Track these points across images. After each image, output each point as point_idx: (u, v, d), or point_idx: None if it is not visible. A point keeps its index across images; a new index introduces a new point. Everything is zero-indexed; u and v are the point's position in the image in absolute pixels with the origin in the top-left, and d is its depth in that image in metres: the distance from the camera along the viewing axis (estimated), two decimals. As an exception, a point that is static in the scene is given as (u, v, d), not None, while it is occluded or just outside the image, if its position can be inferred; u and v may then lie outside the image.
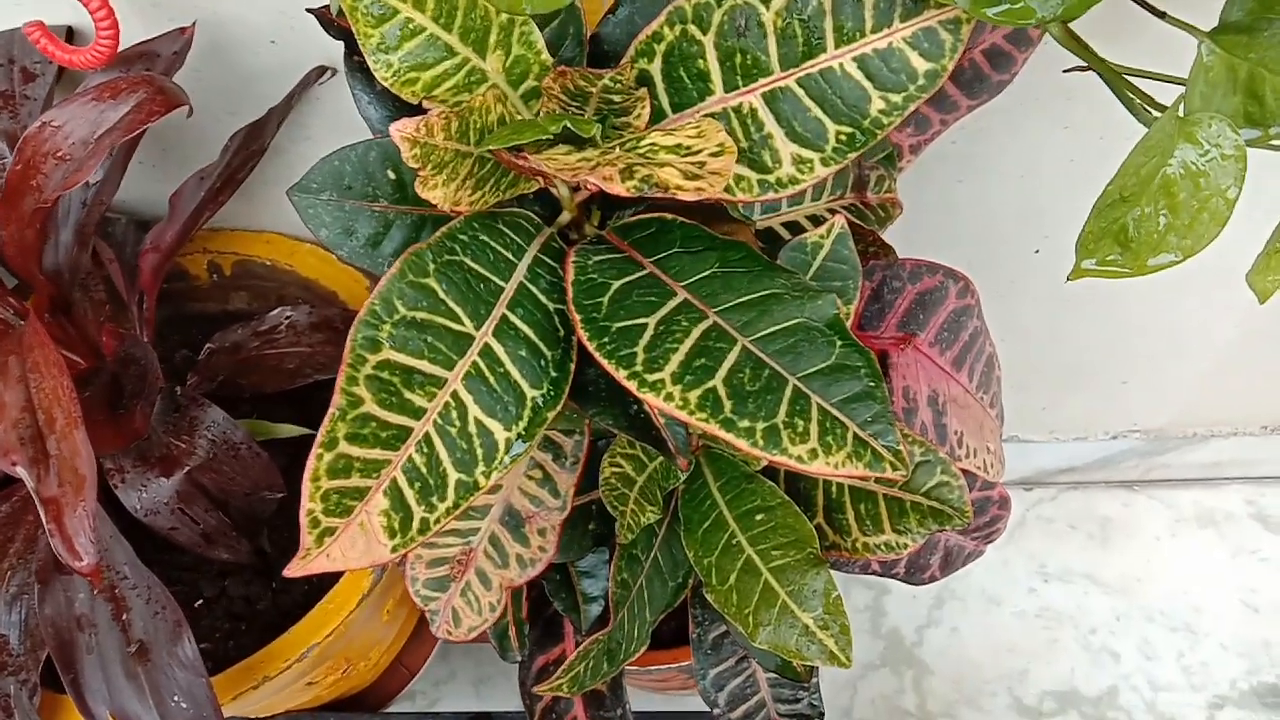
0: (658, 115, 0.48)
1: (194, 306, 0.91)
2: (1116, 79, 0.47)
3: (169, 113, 0.59)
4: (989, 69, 0.68)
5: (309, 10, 0.57)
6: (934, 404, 0.63)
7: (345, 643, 0.80)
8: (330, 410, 0.40)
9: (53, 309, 0.67)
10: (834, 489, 0.55)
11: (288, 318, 0.76)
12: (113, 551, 0.65)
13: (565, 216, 0.53)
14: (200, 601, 0.81)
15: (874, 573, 0.70)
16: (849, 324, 0.52)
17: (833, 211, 0.62)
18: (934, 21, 0.42)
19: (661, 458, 0.56)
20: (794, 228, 0.62)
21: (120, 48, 0.64)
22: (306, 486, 0.40)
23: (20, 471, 0.57)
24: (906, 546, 0.52)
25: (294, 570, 0.40)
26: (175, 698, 0.63)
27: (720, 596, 0.53)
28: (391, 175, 0.51)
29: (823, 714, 0.63)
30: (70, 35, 0.72)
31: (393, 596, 0.89)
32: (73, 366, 0.71)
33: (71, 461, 0.56)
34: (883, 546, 0.52)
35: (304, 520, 0.40)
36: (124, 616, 0.65)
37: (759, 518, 0.53)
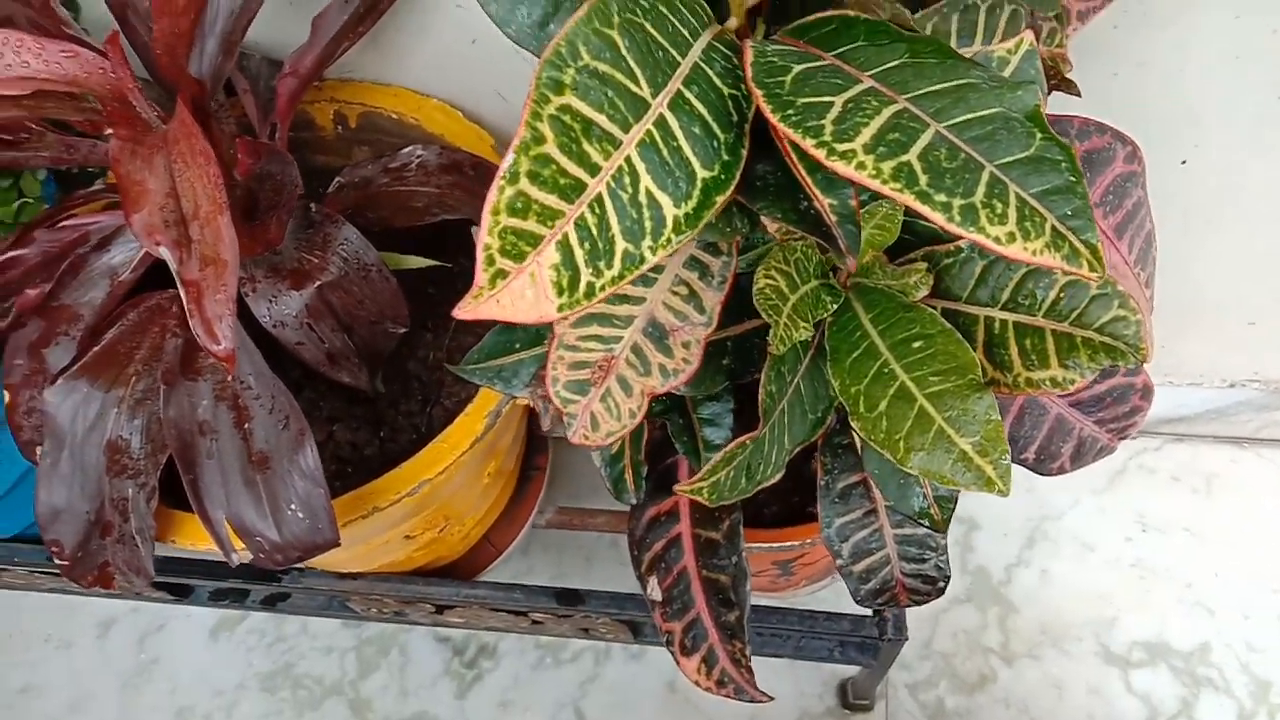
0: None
1: (317, 159, 0.91)
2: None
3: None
4: (1176, -72, 0.64)
5: None
6: (1094, 264, 0.60)
7: (449, 492, 0.80)
8: (514, 143, 0.39)
9: (193, 115, 0.67)
10: (997, 324, 0.52)
11: (418, 157, 0.75)
12: (239, 359, 0.65)
13: (732, 23, 0.51)
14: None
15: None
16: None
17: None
18: None
19: (814, 283, 0.54)
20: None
21: None
22: (486, 219, 0.38)
23: (164, 252, 0.56)
24: (1074, 382, 0.49)
25: (464, 310, 0.39)
26: (292, 506, 0.63)
27: (868, 424, 0.51)
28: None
29: (948, 578, 0.61)
30: None
31: (495, 459, 0.89)
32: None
33: (214, 246, 0.56)
34: (1048, 382, 0.50)
35: (480, 257, 0.39)
36: (245, 425, 0.65)
37: (916, 345, 0.51)
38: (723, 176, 0.45)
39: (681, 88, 0.45)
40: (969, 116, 0.42)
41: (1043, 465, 0.70)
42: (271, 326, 0.67)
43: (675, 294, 0.55)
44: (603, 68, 0.42)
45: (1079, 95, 0.57)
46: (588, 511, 1.12)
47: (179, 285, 0.56)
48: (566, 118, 0.40)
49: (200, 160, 0.58)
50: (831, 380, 0.53)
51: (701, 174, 0.44)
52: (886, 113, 0.42)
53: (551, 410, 0.58)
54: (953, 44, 0.60)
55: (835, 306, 0.55)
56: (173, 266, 0.56)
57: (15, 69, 0.62)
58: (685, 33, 0.46)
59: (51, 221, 0.77)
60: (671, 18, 0.46)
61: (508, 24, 0.49)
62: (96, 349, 0.69)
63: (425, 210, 0.73)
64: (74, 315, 0.72)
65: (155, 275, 0.73)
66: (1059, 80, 0.56)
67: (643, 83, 0.43)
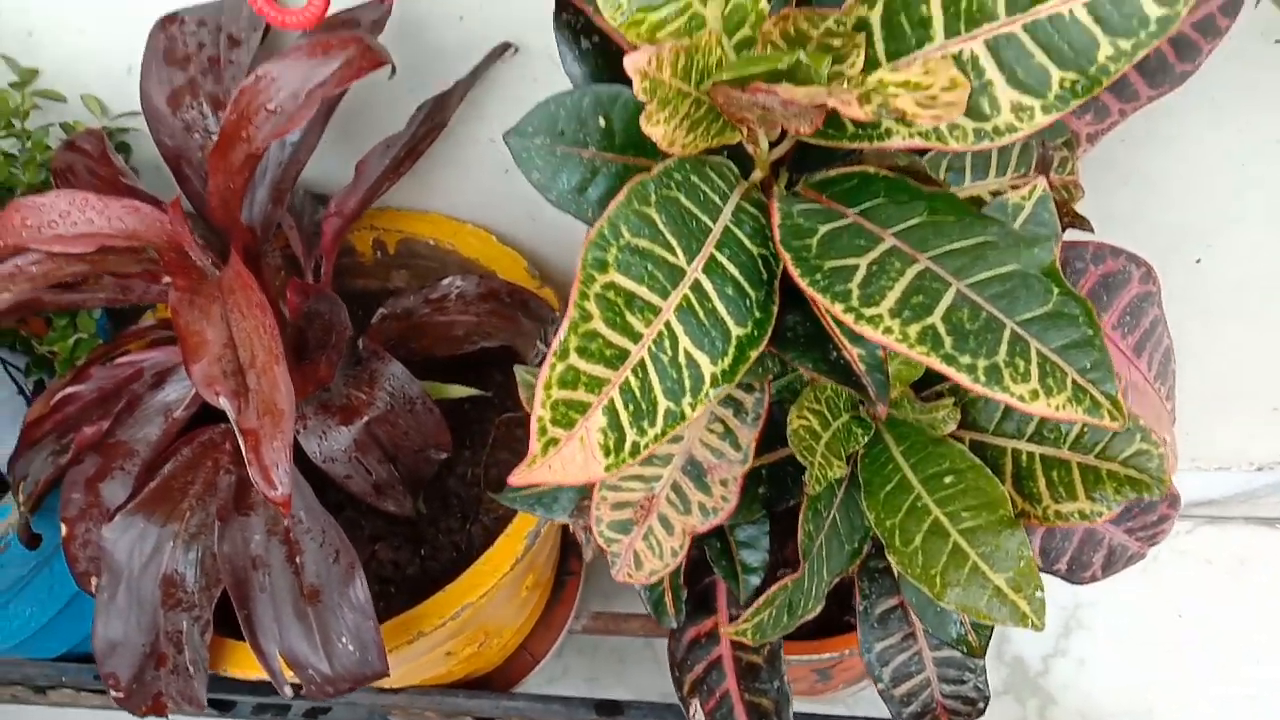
0: (871, 65, 0.49)
1: (357, 283, 0.94)
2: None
3: (375, 69, 0.62)
4: (1174, 57, 0.67)
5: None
6: (1116, 386, 0.62)
7: (490, 611, 0.82)
8: (564, 321, 0.42)
9: (245, 262, 0.70)
10: (1024, 457, 0.54)
11: (457, 287, 0.78)
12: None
13: (757, 175, 0.54)
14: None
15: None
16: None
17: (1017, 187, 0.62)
18: (1173, -36, 0.41)
19: (845, 417, 0.56)
20: (977, 204, 0.62)
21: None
22: (539, 394, 0.41)
23: (223, 403, 0.59)
24: (1101, 515, 0.51)
25: (519, 476, 0.41)
26: (343, 639, 0.65)
27: (904, 558, 0.52)
28: (602, 123, 0.52)
29: (988, 698, 0.61)
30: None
31: (533, 573, 0.90)
32: (257, 320, 0.74)
33: (271, 395, 0.59)
34: (1076, 515, 0.51)
35: (534, 428, 0.41)
36: (297, 559, 0.68)
37: (947, 480, 0.53)
38: (755, 333, 0.47)
39: (714, 252, 0.48)
40: (988, 275, 0.45)
41: (1075, 575, 0.71)
42: (321, 462, 0.70)
43: (712, 432, 0.57)
44: (642, 244, 0.45)
45: (1091, 230, 0.60)
46: (622, 616, 1.13)
47: (237, 433, 0.59)
48: (611, 294, 0.43)
49: (256, 311, 0.61)
50: (866, 513, 0.55)
51: (736, 331, 0.47)
52: (910, 274, 0.45)
53: (593, 543, 0.60)
54: (967, 177, 0.63)
55: (867, 439, 0.57)
56: (231, 416, 0.59)
57: (81, 226, 0.66)
58: (715, 198, 0.49)
59: (106, 357, 0.81)
60: (702, 185, 0.49)
61: (549, 190, 0.52)
62: (152, 485, 0.72)
63: (465, 339, 0.76)
64: (130, 451, 0.74)
65: (209, 409, 0.76)
66: (1070, 216, 0.58)
67: (679, 252, 0.46)
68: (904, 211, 0.48)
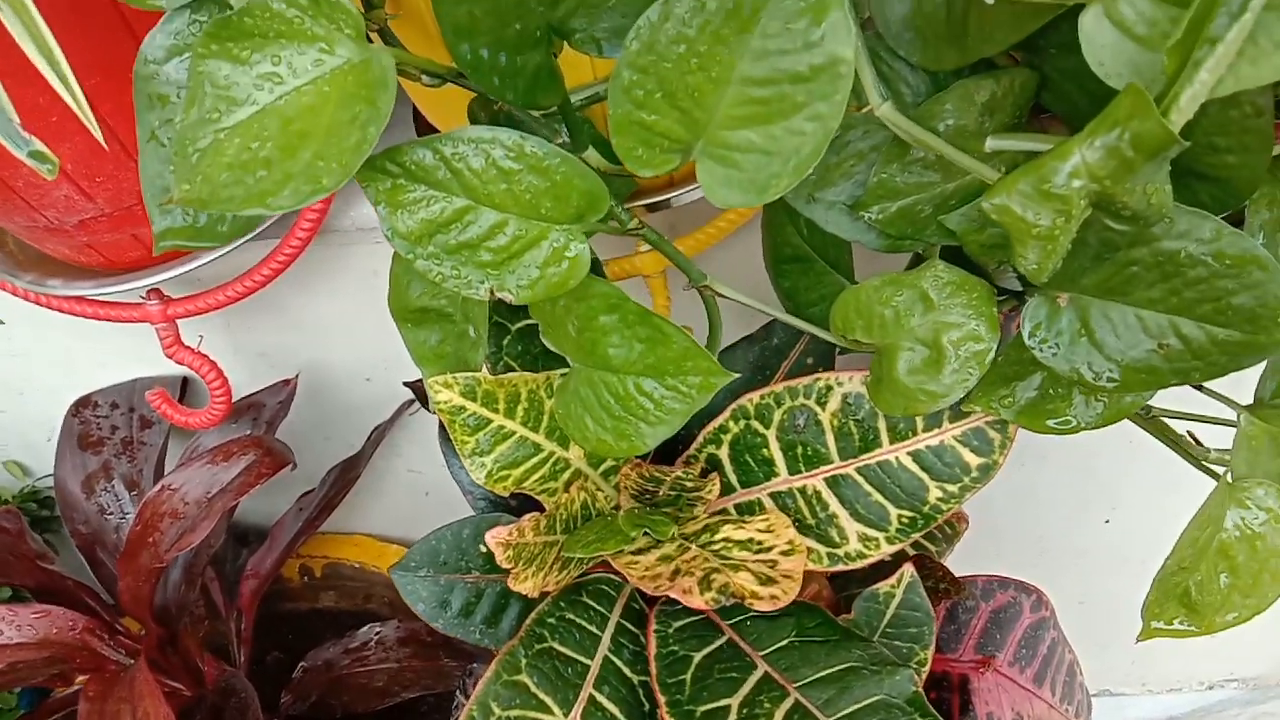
0: (727, 489, 0.52)
1: (285, 606, 0.94)
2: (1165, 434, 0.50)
3: (276, 474, 0.65)
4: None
5: (405, 384, 0.62)
6: (1018, 728, 0.63)
7: None
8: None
9: (160, 644, 0.71)
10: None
11: (377, 633, 0.79)
12: None
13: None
14: None
15: None
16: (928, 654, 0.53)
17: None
18: (981, 423, 0.45)
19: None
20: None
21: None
22: None
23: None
24: None
25: None
26: None
27: None
28: (483, 549, 0.54)
29: None
30: (185, 384, 0.80)
31: None
32: (177, 696, 0.74)
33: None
34: None
35: None
36: None
37: None
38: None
39: (593, 691, 0.49)
40: (855, 708, 0.46)
41: None
42: None
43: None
44: (514, 714, 0.46)
45: (960, 591, 0.62)
46: None
47: None
48: (484, 777, 0.44)
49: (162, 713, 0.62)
50: None
51: (618, 777, 0.48)
52: (779, 715, 0.46)
53: None
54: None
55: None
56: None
57: (-10, 640, 0.67)
58: (593, 627, 0.51)
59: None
60: (578, 619, 0.51)
61: (435, 620, 0.54)
62: None
63: (386, 690, 0.76)
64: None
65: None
66: (948, 580, 0.61)
67: (555, 708, 0.47)
68: (774, 630, 0.50)
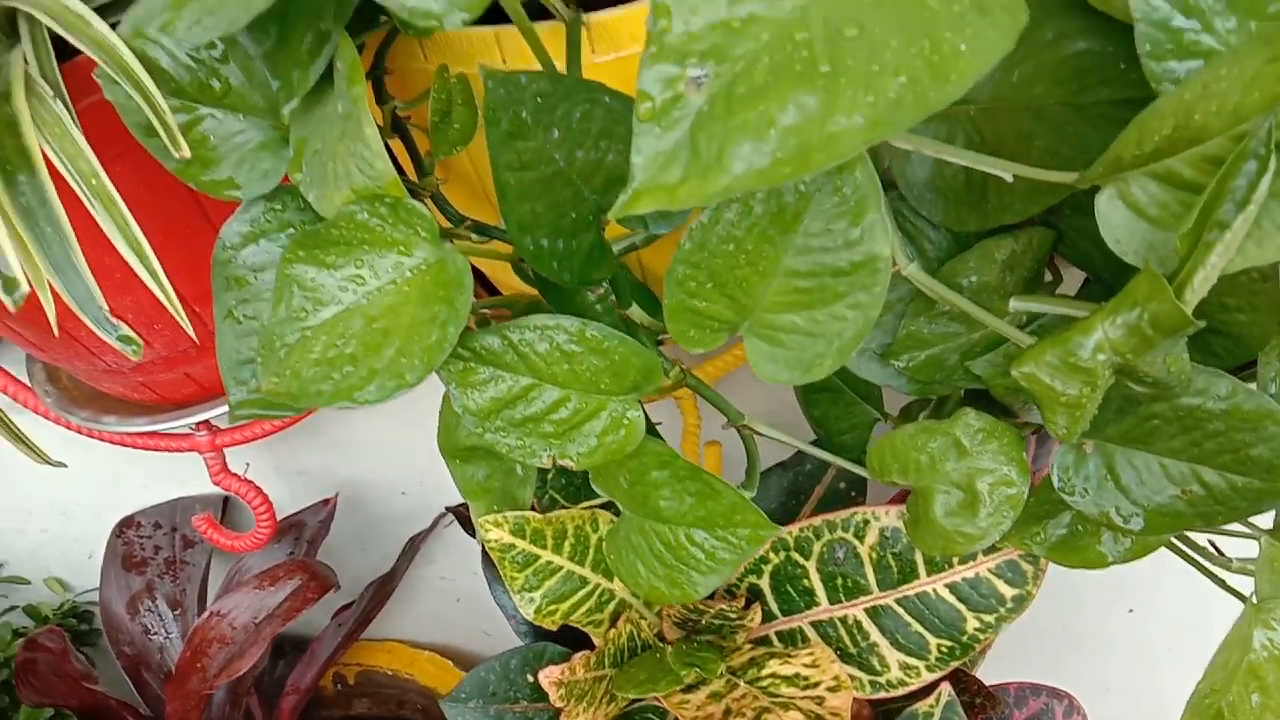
0: (768, 616, 0.54)
1: (320, 714, 0.95)
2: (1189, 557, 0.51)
3: (321, 597, 0.66)
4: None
5: (448, 509, 0.64)
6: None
7: None
8: None
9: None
10: None
11: (411, 747, 0.80)
12: None
13: None
14: None
15: None
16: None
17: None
18: (1015, 556, 0.47)
19: None
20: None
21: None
22: None
23: None
24: None
25: None
26: None
27: None
28: (530, 679, 0.56)
29: None
30: (226, 502, 0.82)
31: None
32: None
33: None
34: None
35: None
36: None
37: None
38: None
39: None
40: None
41: None
42: None
43: None
44: None
45: (996, 710, 0.63)
46: None
47: None
48: None
49: None
50: None
51: None
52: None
53: None
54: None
55: None
56: None
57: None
58: (641, 757, 0.52)
59: None
60: (627, 749, 0.52)
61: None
62: None
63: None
64: None
65: None
66: (983, 695, 0.62)
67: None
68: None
